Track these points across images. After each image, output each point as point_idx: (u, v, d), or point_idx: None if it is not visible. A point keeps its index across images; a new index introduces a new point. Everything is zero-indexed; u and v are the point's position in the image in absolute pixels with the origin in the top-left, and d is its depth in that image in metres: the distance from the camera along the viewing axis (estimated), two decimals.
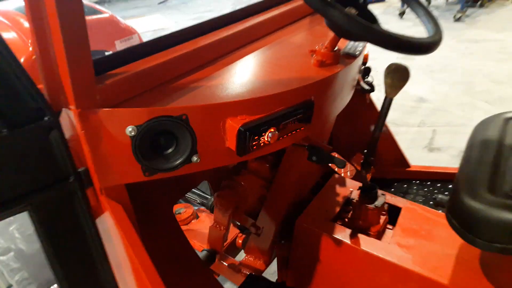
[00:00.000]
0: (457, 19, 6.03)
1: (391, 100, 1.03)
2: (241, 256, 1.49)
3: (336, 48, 1.01)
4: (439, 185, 1.69)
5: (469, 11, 6.45)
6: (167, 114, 0.77)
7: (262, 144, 0.85)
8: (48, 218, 0.78)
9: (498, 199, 0.81)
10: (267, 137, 0.84)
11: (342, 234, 1.17)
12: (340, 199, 1.30)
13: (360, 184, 1.30)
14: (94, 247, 0.83)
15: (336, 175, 1.41)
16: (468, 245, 1.11)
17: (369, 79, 1.31)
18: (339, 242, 1.16)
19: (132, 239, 0.81)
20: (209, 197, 1.77)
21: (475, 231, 0.81)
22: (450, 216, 0.87)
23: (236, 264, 1.46)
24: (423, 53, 0.84)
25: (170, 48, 0.95)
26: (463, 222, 0.83)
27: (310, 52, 1.03)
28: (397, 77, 0.98)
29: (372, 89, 1.31)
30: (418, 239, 1.16)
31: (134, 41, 3.38)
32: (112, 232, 0.81)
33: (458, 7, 6.31)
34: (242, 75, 0.95)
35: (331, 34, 0.97)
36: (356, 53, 1.07)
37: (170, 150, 0.82)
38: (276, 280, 1.41)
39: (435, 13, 6.45)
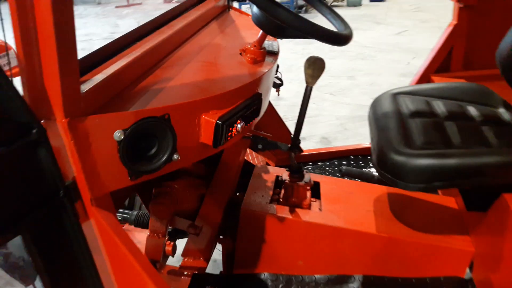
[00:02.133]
0: None
1: (311, 88, 1.21)
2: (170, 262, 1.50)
3: (262, 47, 1.14)
4: (328, 163, 1.98)
5: None
6: (151, 115, 0.80)
7: (233, 135, 0.93)
8: (38, 236, 0.72)
9: (415, 151, 1.06)
10: (237, 128, 0.93)
11: (282, 211, 1.31)
12: (269, 184, 1.44)
13: (283, 169, 1.47)
14: (83, 258, 0.79)
15: (258, 166, 1.55)
16: (380, 201, 1.38)
17: (278, 74, 1.49)
18: (281, 219, 1.30)
19: (129, 243, 0.81)
20: (130, 212, 1.71)
21: (404, 178, 1.05)
22: (382, 172, 1.09)
23: (177, 269, 1.47)
24: (343, 44, 1.04)
25: (124, 50, 0.96)
26: (394, 173, 1.06)
27: (241, 51, 1.15)
28: (317, 67, 1.17)
29: (282, 83, 1.49)
30: (341, 204, 1.38)
31: (11, 57, 2.92)
32: (104, 240, 0.79)
33: None
34: (196, 76, 1.01)
35: (256, 34, 1.11)
36: (276, 50, 1.23)
37: (152, 151, 0.84)
38: (221, 272, 1.47)
39: None
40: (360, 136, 3.28)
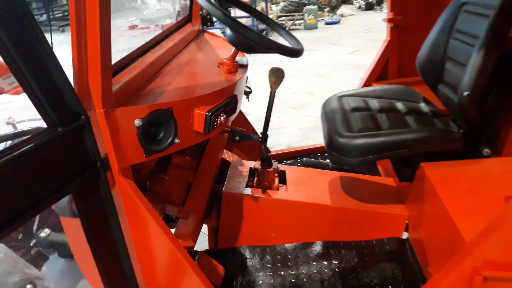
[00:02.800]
0: None
1: (274, 92, 1.54)
2: None
3: (235, 60, 1.47)
4: (292, 160, 2.31)
5: None
6: (160, 108, 1.10)
7: (218, 124, 1.24)
8: (81, 196, 0.99)
9: (354, 134, 1.41)
10: (221, 120, 1.24)
11: (256, 193, 1.62)
12: (244, 173, 1.75)
13: (252, 162, 1.79)
14: (111, 214, 1.06)
15: (233, 160, 1.86)
16: (333, 182, 1.71)
17: (248, 84, 1.81)
18: (255, 199, 1.60)
19: (145, 203, 1.09)
20: None
21: (347, 154, 1.39)
22: (331, 152, 1.43)
23: None
24: (297, 56, 1.38)
25: (134, 62, 1.26)
26: (339, 152, 1.40)
27: (219, 64, 1.47)
28: (278, 76, 1.50)
29: (251, 91, 1.81)
30: (303, 186, 1.70)
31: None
32: (124, 200, 1.07)
33: None
34: (187, 81, 1.32)
35: (230, 50, 1.44)
36: (245, 64, 1.56)
37: (160, 136, 1.14)
38: (206, 249, 1.74)
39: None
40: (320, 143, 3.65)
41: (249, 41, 1.35)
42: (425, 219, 1.44)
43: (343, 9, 10.08)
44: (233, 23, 1.26)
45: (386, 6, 10.06)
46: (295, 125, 4.11)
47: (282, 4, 10.13)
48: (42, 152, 0.87)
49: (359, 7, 10.36)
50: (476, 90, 1.31)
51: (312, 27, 9.19)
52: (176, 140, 1.16)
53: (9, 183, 0.80)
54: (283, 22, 9.31)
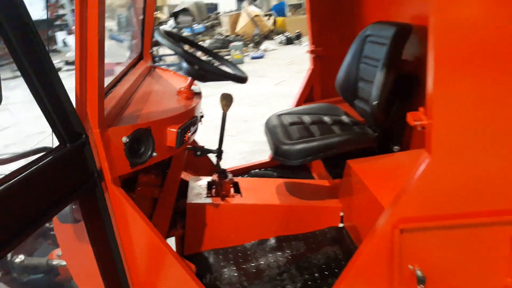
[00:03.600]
0: None
1: (226, 113, 1.84)
2: None
3: (191, 89, 1.76)
4: (241, 176, 2.59)
5: None
6: (141, 127, 1.35)
7: (186, 139, 1.51)
8: (83, 202, 1.20)
9: (294, 141, 1.75)
10: (188, 135, 1.51)
11: (217, 201, 1.88)
12: (203, 187, 2.00)
13: (208, 177, 2.06)
14: (105, 217, 1.27)
15: (190, 178, 2.11)
16: (279, 187, 2.02)
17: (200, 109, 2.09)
18: (216, 205, 1.86)
19: (135, 207, 1.31)
20: None
21: (289, 158, 1.72)
22: (277, 157, 1.75)
23: None
24: (244, 82, 1.71)
25: (111, 91, 1.49)
26: (283, 156, 1.72)
27: (178, 92, 1.74)
28: (228, 99, 1.81)
29: (203, 115, 2.09)
30: (254, 191, 1.99)
31: None
32: (114, 204, 1.28)
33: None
34: (157, 106, 1.58)
35: (181, 81, 1.73)
36: (199, 91, 1.85)
37: (141, 150, 1.38)
38: None
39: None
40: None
41: (206, 72, 1.65)
42: (355, 204, 1.79)
43: (266, 44, 10.79)
44: (192, 58, 1.56)
45: (304, 40, 10.97)
46: (235, 150, 4.42)
47: (208, 41, 10.63)
48: (58, 164, 1.08)
49: (280, 42, 11.16)
50: (382, 100, 1.71)
51: (239, 62, 9.72)
52: (154, 154, 1.41)
53: (33, 189, 1.00)
54: (210, 58, 9.74)
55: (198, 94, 1.81)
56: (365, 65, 1.98)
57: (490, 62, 1.13)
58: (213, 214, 1.87)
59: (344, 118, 2.06)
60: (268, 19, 12.03)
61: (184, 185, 2.06)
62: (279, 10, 12.43)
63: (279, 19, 12.05)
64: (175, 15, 7.39)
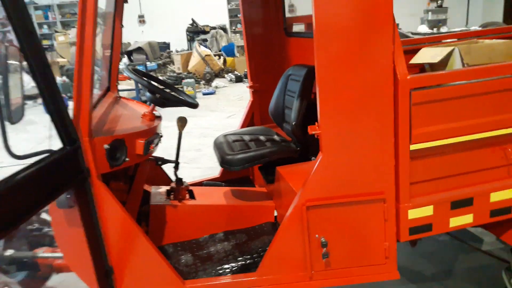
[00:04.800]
0: None
1: (181, 132, 2.34)
2: None
3: (153, 113, 2.26)
4: None
5: None
6: (117, 138, 1.82)
7: (151, 149, 1.99)
8: (77, 193, 1.64)
9: (235, 153, 2.28)
10: (152, 147, 2.00)
11: (175, 202, 2.33)
12: (163, 193, 2.45)
13: (167, 186, 2.52)
14: (91, 203, 1.70)
15: (152, 187, 2.55)
16: (226, 192, 2.52)
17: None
18: (174, 206, 2.31)
19: (112, 196, 1.76)
20: None
21: (233, 165, 2.24)
22: (223, 165, 2.26)
23: None
24: (196, 107, 2.23)
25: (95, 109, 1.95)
26: (228, 164, 2.24)
27: (142, 115, 2.23)
28: (183, 121, 2.32)
29: (162, 136, 2.57)
30: (206, 196, 2.47)
31: None
32: (98, 196, 1.72)
33: None
34: (128, 124, 2.05)
35: (143, 107, 2.22)
36: (160, 115, 2.34)
37: (117, 155, 1.84)
38: None
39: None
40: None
41: (166, 99, 2.16)
42: (283, 200, 2.31)
43: (217, 81, 11.44)
44: (155, 88, 2.08)
45: None
46: (189, 176, 4.85)
47: (161, 78, 11.14)
48: (60, 161, 1.54)
49: (230, 80, 11.87)
50: (298, 121, 2.30)
51: (192, 96, 10.24)
52: (127, 159, 1.87)
53: (41, 179, 1.44)
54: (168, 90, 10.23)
55: (159, 117, 2.31)
56: (288, 97, 2.57)
57: (355, 98, 1.73)
58: (172, 214, 2.32)
59: (275, 137, 2.62)
60: (219, 58, 12.77)
61: (146, 194, 2.50)
62: (228, 51, 13.24)
63: (229, 59, 12.82)
64: (129, 53, 7.87)
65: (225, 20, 14.67)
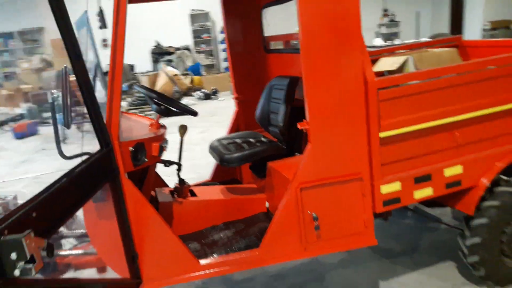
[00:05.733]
0: None
1: (183, 138, 2.68)
2: None
3: (159, 122, 2.60)
4: None
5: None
6: (139, 142, 2.15)
7: (163, 151, 2.33)
8: (112, 187, 1.95)
9: (231, 153, 2.65)
10: (164, 149, 2.34)
11: (180, 199, 2.66)
12: (168, 193, 2.77)
13: (169, 187, 2.84)
14: (121, 196, 2.01)
15: (157, 189, 2.86)
16: (222, 189, 2.88)
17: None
18: (179, 202, 2.64)
19: (136, 190, 2.08)
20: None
21: (230, 163, 2.59)
22: (223, 163, 2.62)
23: None
24: (196, 115, 2.59)
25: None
26: (227, 162, 2.60)
27: (150, 125, 2.56)
28: (184, 129, 2.67)
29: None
30: (205, 194, 2.81)
31: None
32: (126, 190, 2.04)
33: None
34: (141, 132, 2.37)
35: (144, 120, 2.56)
36: (163, 125, 2.68)
37: (139, 157, 2.17)
38: None
39: None
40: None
41: (170, 110, 2.51)
42: (274, 190, 2.68)
43: (186, 100, 11.76)
44: (161, 100, 2.43)
45: (220, 95, 12.18)
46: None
47: (129, 99, 11.31)
48: (99, 161, 1.86)
49: (199, 98, 12.22)
50: (284, 123, 2.70)
51: None
52: (146, 159, 2.20)
53: (89, 175, 1.76)
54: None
55: (163, 126, 2.64)
56: (273, 103, 2.98)
57: (335, 98, 2.15)
58: (178, 209, 2.64)
59: (263, 138, 3.01)
60: (186, 78, 13.12)
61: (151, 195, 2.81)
62: (195, 70, 13.62)
63: (196, 78, 13.19)
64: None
65: (188, 41, 15.04)
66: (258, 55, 3.50)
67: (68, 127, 1.76)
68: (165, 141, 2.46)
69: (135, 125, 2.60)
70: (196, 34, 15.21)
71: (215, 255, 2.33)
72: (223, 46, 15.22)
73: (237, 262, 2.26)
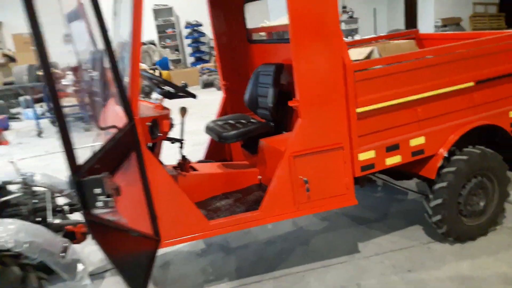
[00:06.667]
0: (87, 130, 8.24)
1: (183, 118, 3.01)
2: None
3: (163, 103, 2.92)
4: None
5: None
6: (154, 118, 2.47)
7: (172, 127, 2.66)
8: (135, 155, 2.27)
9: (228, 130, 3.01)
10: (173, 126, 2.67)
11: (183, 173, 2.99)
12: (171, 169, 3.09)
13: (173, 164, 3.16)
14: (141, 163, 2.33)
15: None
16: (220, 165, 3.25)
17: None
18: (184, 175, 2.97)
19: (153, 158, 2.41)
20: None
21: (229, 139, 2.96)
22: (221, 140, 2.98)
23: None
24: (195, 98, 2.93)
25: None
26: (225, 139, 2.96)
27: (155, 106, 2.87)
28: (184, 110, 3.00)
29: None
30: (205, 168, 3.15)
31: None
32: (146, 158, 2.36)
33: (81, 123, 8.54)
34: (152, 111, 2.69)
35: (160, 98, 2.89)
36: (166, 107, 3.00)
37: (154, 131, 2.49)
38: None
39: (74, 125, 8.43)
40: None
41: (173, 93, 2.84)
42: (267, 165, 3.07)
43: (156, 94, 11.95)
44: (165, 83, 2.75)
45: (190, 90, 12.43)
46: None
47: None
48: (128, 132, 2.18)
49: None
50: (273, 104, 3.09)
51: None
52: (159, 134, 2.53)
53: (121, 142, 2.08)
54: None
55: (167, 108, 2.97)
56: (261, 88, 3.36)
57: (320, 79, 2.56)
58: (182, 182, 2.97)
59: (252, 120, 3.39)
60: (154, 72, 13.24)
61: None
62: (163, 65, 13.74)
63: (164, 72, 13.32)
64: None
65: (153, 36, 15.10)
66: (242, 45, 3.87)
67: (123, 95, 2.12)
68: (172, 119, 2.79)
69: (142, 107, 2.91)
70: (160, 29, 15.28)
71: (221, 217, 2.69)
72: (188, 41, 15.42)
73: (241, 221, 2.63)
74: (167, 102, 2.94)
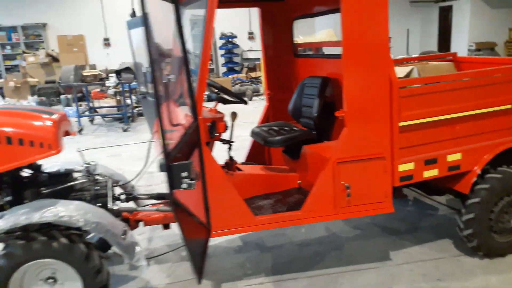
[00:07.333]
0: (125, 130, 8.65)
1: (233, 122, 3.26)
2: None
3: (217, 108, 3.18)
4: None
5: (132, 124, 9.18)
6: (212, 120, 2.73)
7: (227, 129, 2.91)
8: (198, 151, 2.52)
9: (274, 136, 3.25)
10: (227, 128, 2.92)
11: (230, 173, 3.23)
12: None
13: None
14: (202, 159, 2.58)
15: None
16: (261, 168, 3.48)
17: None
18: (232, 174, 3.21)
19: (210, 154, 2.65)
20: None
21: (275, 144, 3.20)
22: (267, 144, 3.21)
23: None
24: (246, 104, 3.18)
25: None
26: (271, 144, 3.20)
27: (210, 110, 3.13)
28: (234, 115, 3.25)
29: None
30: (250, 170, 3.39)
31: None
32: (204, 154, 2.61)
33: (117, 123, 9.02)
34: (206, 113, 2.95)
35: (214, 103, 3.15)
36: (220, 111, 3.26)
37: (212, 131, 2.75)
38: None
39: (110, 125, 8.85)
40: None
41: (227, 99, 3.09)
42: (309, 170, 3.27)
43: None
44: (221, 89, 3.01)
45: None
46: None
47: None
48: (194, 131, 2.43)
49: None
50: (318, 114, 3.31)
51: None
52: (216, 134, 2.78)
53: (191, 136, 2.34)
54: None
55: (220, 112, 3.22)
56: (306, 99, 3.59)
57: (367, 93, 2.76)
58: (233, 179, 3.20)
59: (295, 127, 3.61)
60: None
61: None
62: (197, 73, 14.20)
63: None
64: (118, 72, 8.55)
65: (189, 45, 15.59)
66: (288, 58, 4.12)
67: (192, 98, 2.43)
68: (226, 122, 3.04)
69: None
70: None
71: (265, 214, 2.90)
72: (222, 51, 15.85)
73: (283, 219, 2.84)
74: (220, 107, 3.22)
